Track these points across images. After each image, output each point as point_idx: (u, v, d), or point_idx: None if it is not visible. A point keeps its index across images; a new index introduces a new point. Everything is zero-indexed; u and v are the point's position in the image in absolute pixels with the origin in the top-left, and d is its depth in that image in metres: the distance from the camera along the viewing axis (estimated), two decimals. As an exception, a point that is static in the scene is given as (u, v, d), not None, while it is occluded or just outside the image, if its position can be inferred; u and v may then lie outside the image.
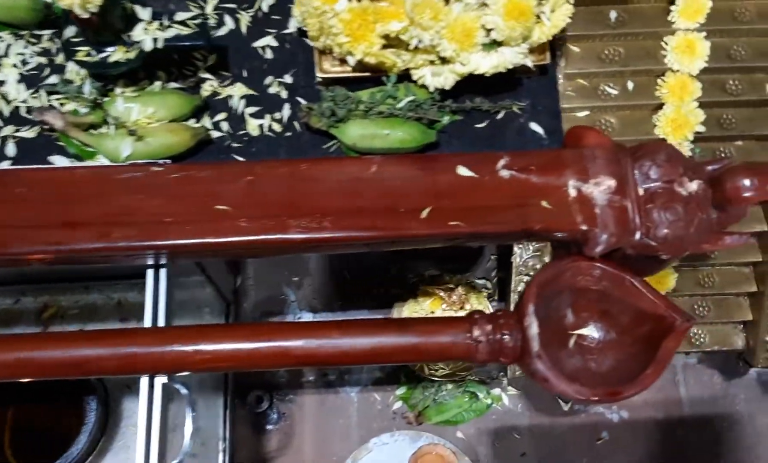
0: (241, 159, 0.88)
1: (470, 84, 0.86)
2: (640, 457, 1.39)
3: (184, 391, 0.79)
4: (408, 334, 0.73)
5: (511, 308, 0.82)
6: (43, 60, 0.88)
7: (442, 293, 1.24)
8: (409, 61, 0.84)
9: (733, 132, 1.00)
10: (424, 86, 0.86)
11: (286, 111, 0.90)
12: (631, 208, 0.73)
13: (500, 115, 0.91)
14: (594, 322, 0.77)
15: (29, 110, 0.86)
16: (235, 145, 0.88)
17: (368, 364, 1.21)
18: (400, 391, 1.38)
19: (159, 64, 0.88)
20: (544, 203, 0.74)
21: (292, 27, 0.92)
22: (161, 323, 0.81)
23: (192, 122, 0.88)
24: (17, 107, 0.87)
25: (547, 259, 1.09)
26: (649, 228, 0.72)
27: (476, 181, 0.76)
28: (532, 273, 1.10)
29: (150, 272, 0.82)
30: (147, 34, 0.81)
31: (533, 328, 0.71)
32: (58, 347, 0.72)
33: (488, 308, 1.27)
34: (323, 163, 0.79)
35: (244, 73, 0.91)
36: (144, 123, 0.84)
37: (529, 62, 0.86)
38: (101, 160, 0.84)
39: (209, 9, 0.90)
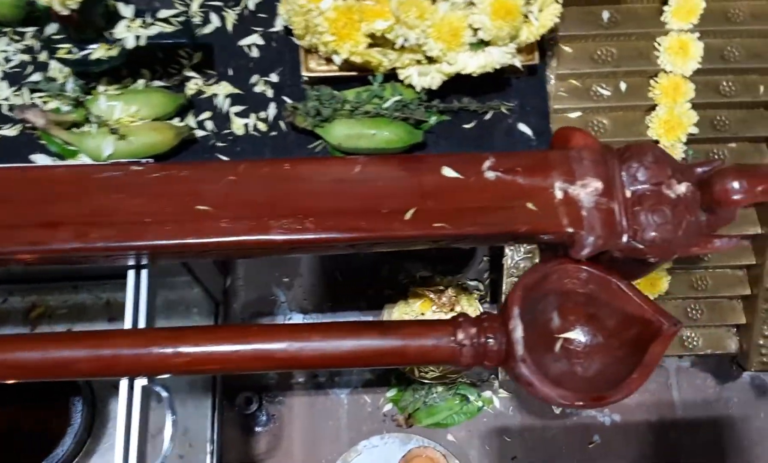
0: (225, 158, 0.87)
1: (458, 84, 0.85)
2: (633, 460, 1.38)
3: (164, 393, 0.78)
4: (390, 337, 0.72)
5: (503, 310, 0.81)
6: (26, 57, 0.87)
7: (432, 295, 1.23)
8: (395, 61, 0.83)
9: (726, 134, 0.99)
10: (410, 86, 0.85)
11: (271, 110, 0.89)
12: (618, 210, 0.72)
13: (488, 116, 0.90)
14: (581, 325, 0.76)
15: (11, 108, 0.85)
16: (220, 144, 0.87)
17: (351, 367, 1.20)
18: (391, 393, 1.36)
19: (143, 62, 0.87)
20: (530, 205, 0.73)
21: (278, 25, 0.91)
22: (142, 324, 0.80)
23: (176, 121, 0.87)
24: (-1, 105, 0.86)
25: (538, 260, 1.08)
26: (636, 231, 0.71)
27: (461, 183, 0.75)
28: (522, 275, 1.09)
29: (131, 273, 0.81)
30: (129, 32, 0.80)
31: (518, 331, 0.70)
32: (35, 348, 0.70)
33: (479, 309, 1.26)
34: (306, 163, 0.78)
35: (230, 72, 0.90)
36: (127, 122, 0.83)
37: (518, 62, 0.85)
38: (83, 159, 0.83)
39: (195, 6, 0.89)
